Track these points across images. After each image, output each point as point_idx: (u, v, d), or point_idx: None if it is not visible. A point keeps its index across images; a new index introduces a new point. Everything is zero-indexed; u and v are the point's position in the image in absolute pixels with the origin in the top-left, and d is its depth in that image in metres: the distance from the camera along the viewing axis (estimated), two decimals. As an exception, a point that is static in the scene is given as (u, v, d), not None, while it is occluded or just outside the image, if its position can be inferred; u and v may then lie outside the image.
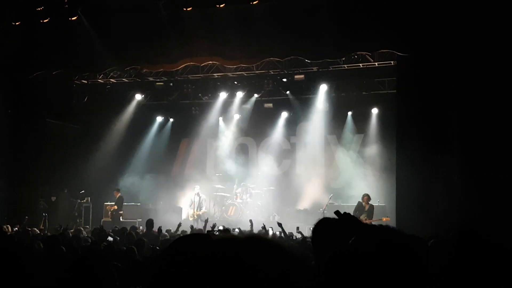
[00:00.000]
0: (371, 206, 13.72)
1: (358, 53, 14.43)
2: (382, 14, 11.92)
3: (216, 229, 10.20)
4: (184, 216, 17.09)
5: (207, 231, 7.96)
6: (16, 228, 12.21)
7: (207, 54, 13.93)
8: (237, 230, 9.60)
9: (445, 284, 2.57)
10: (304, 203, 17.00)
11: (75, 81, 17.65)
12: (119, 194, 16.56)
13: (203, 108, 18.51)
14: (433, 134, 12.09)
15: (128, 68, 16.30)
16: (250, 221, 11.71)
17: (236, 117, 18.66)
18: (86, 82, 17.91)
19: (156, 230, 10.55)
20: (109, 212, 16.38)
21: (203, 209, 16.41)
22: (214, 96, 18.18)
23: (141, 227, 12.95)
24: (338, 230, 2.32)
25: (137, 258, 6.36)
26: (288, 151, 18.41)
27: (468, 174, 11.45)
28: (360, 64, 15.49)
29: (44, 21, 13.46)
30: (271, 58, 14.61)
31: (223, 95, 17.95)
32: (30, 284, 2.80)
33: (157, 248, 7.34)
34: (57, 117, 16.67)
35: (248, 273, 1.18)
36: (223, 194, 17.78)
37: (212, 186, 17.86)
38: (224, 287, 1.18)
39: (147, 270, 5.31)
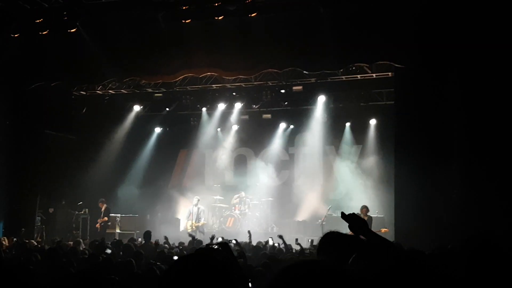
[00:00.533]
0: (370, 218, 13.62)
1: (356, 64, 14.47)
2: (379, 25, 11.96)
3: (214, 241, 10.19)
4: (182, 227, 17.01)
5: (206, 244, 7.90)
6: (14, 240, 12.15)
7: (206, 65, 13.95)
8: (233, 241, 9.52)
9: None
10: (303, 214, 16.96)
11: (74, 93, 17.68)
12: (105, 205, 15.87)
13: (202, 119, 18.54)
14: (431, 145, 12.06)
15: (126, 80, 16.34)
16: (249, 232, 11.78)
17: (235, 128, 18.68)
18: (84, 93, 17.96)
19: (154, 242, 10.50)
20: (98, 224, 15.67)
21: (202, 221, 16.32)
22: (213, 107, 18.23)
23: (139, 239, 12.89)
24: (342, 244, 2.32)
25: (136, 271, 6.31)
26: (287, 162, 18.41)
27: (467, 185, 11.42)
28: (358, 76, 15.57)
29: (43, 33, 13.48)
30: (270, 70, 14.62)
31: (221, 106, 17.99)
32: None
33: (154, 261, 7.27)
34: (56, 128, 16.63)
35: None
36: (221, 205, 17.74)
37: (210, 197, 17.81)
38: None
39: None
